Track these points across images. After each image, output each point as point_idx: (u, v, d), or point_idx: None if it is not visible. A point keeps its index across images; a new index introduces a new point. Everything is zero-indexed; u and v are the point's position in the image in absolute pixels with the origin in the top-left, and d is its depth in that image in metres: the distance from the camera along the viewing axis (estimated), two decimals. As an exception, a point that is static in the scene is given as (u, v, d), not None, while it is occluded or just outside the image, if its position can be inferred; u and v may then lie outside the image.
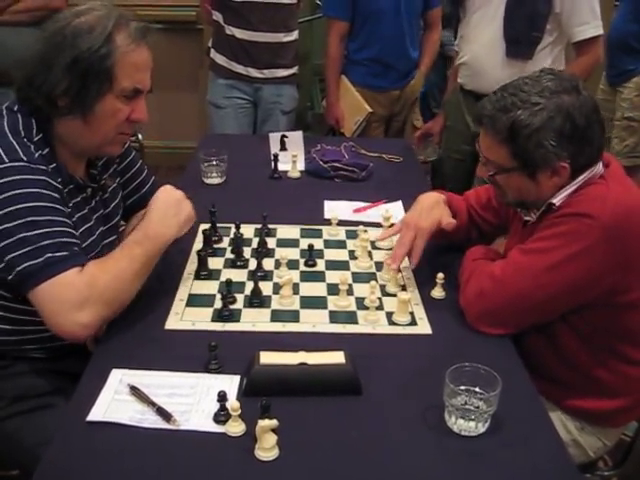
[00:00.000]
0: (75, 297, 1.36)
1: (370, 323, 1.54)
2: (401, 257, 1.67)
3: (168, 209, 1.58)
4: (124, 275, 1.44)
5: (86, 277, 1.39)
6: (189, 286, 1.65)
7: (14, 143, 1.42)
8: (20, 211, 1.36)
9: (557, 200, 1.50)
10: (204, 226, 1.87)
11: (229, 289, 1.57)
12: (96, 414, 1.24)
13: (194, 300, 1.60)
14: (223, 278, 1.66)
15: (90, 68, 1.41)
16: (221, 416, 1.23)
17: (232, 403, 1.20)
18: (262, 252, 1.79)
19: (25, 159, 1.40)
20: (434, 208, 1.73)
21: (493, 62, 2.59)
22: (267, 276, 1.69)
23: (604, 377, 1.55)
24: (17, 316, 1.51)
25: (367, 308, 1.56)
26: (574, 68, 2.51)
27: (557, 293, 1.46)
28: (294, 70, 3.14)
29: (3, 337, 1.54)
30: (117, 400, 1.28)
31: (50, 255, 1.36)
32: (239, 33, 2.98)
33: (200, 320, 1.53)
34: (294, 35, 3.08)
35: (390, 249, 1.85)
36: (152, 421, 1.23)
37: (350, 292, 1.63)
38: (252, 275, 1.67)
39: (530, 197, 1.53)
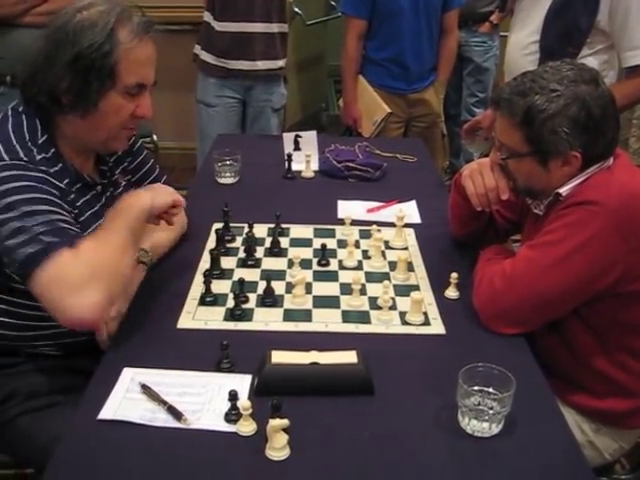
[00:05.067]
0: (75, 277, 1.29)
1: (383, 323, 1.52)
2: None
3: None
4: (117, 247, 1.39)
5: (81, 256, 1.32)
6: (201, 285, 1.64)
7: (17, 146, 1.42)
8: (15, 203, 1.35)
9: (564, 190, 1.50)
10: (217, 225, 1.87)
11: (242, 288, 1.57)
12: (107, 412, 1.24)
13: (206, 299, 1.59)
14: (236, 277, 1.66)
15: (92, 65, 1.41)
16: (232, 415, 1.22)
17: (243, 402, 1.19)
18: (275, 251, 1.79)
19: (26, 159, 1.40)
20: None
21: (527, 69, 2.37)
22: (280, 275, 1.69)
23: (619, 376, 1.54)
24: (28, 312, 1.51)
25: (380, 308, 1.55)
26: (627, 88, 2.19)
27: (570, 285, 1.45)
28: (283, 62, 3.18)
29: (15, 332, 1.54)
30: (128, 399, 1.28)
31: (49, 240, 1.32)
32: (230, 26, 3.01)
33: (212, 319, 1.52)
34: (284, 27, 3.14)
35: (404, 248, 1.84)
36: (163, 420, 1.23)
37: (363, 292, 1.62)
38: (265, 274, 1.66)
39: (539, 185, 1.53)
